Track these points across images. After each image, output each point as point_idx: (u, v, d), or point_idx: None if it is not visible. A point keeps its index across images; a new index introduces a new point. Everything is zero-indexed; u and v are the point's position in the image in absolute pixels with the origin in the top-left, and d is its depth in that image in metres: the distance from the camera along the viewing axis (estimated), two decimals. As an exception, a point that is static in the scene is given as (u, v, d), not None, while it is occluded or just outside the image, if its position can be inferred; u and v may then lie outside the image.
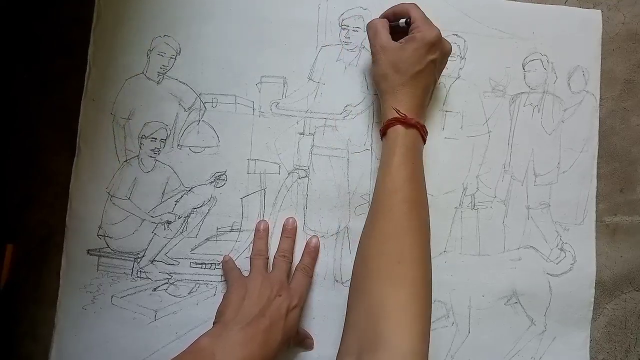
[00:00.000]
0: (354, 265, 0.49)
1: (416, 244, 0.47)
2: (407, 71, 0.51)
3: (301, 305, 0.53)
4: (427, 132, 0.54)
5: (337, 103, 0.59)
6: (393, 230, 0.47)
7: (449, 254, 0.58)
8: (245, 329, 0.47)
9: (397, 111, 0.51)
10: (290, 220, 0.57)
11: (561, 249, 0.59)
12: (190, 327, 0.55)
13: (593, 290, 0.58)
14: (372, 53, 0.54)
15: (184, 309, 0.56)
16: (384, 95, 0.53)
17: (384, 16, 0.56)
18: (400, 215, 0.47)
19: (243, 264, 0.57)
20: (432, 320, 0.56)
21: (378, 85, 0.54)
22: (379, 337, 0.42)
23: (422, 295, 0.45)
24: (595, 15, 0.61)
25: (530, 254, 0.58)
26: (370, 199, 0.55)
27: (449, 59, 0.59)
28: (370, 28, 0.55)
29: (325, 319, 0.56)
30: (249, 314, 0.49)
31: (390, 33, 0.54)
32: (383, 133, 0.53)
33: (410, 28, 0.53)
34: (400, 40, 0.53)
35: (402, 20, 0.55)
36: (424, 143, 0.54)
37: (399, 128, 0.51)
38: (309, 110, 0.58)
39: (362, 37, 0.59)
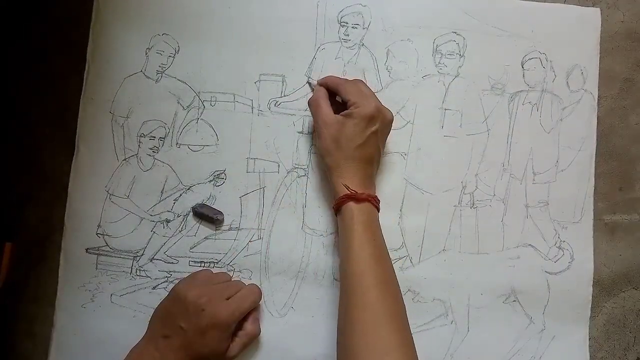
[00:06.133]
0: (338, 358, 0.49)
1: (398, 329, 0.48)
2: (349, 146, 0.54)
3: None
4: (379, 201, 0.56)
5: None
6: (372, 320, 0.48)
7: (448, 253, 0.61)
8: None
9: (347, 187, 0.54)
10: None
11: (559, 247, 0.61)
12: (189, 325, 0.58)
13: (591, 289, 0.61)
14: (315, 128, 0.57)
15: (183, 308, 0.59)
16: (330, 171, 0.55)
17: (323, 83, 0.58)
18: (374, 301, 0.49)
19: (241, 262, 0.59)
20: (431, 319, 0.60)
21: (323, 159, 0.56)
22: None
23: None
24: (594, 14, 0.63)
25: (528, 253, 0.61)
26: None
27: (448, 57, 0.62)
28: (312, 104, 0.57)
29: (324, 317, 0.59)
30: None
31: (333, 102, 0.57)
32: (336, 210, 0.55)
33: (348, 104, 0.55)
34: (341, 113, 0.55)
35: (338, 98, 0.57)
36: (378, 211, 0.56)
37: (352, 205, 0.53)
38: (307, 109, 0.61)
39: (361, 34, 0.62)
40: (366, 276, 0.50)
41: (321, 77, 0.60)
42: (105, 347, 0.58)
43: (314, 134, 0.59)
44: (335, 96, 0.58)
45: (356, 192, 0.53)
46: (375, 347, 0.46)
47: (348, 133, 0.54)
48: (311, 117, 0.60)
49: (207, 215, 0.59)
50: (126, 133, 0.60)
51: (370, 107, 0.54)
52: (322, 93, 0.57)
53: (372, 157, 0.55)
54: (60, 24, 0.61)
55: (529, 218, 0.62)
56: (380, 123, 0.55)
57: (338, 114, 0.55)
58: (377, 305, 0.48)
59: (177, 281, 0.57)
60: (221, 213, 0.59)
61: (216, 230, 0.60)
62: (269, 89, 0.61)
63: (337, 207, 0.55)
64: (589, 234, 0.62)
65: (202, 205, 0.59)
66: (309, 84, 0.61)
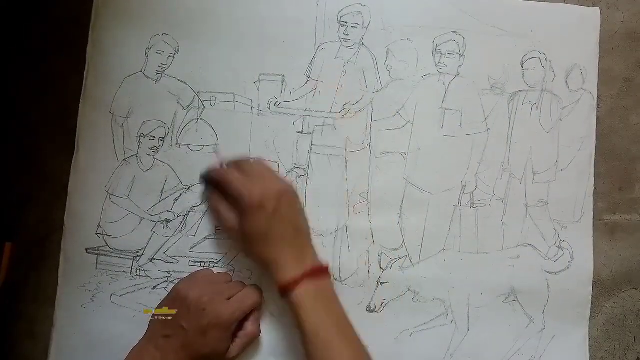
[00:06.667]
0: None
1: None
2: (257, 239, 0.53)
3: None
4: (322, 265, 0.54)
5: (336, 101, 0.62)
6: None
7: (447, 252, 0.61)
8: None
9: (278, 282, 0.52)
10: None
11: (559, 247, 0.62)
12: (189, 325, 0.58)
13: (591, 288, 0.61)
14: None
15: (183, 308, 0.59)
16: (261, 269, 0.56)
17: (212, 181, 0.58)
18: None
19: (241, 262, 0.60)
20: (431, 318, 0.60)
21: (250, 260, 0.57)
22: None
23: None
24: (593, 14, 0.63)
25: (528, 252, 0.61)
26: (369, 195, 0.59)
27: (448, 56, 0.62)
28: (212, 213, 0.58)
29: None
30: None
31: None
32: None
33: (232, 199, 0.54)
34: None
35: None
36: (327, 273, 0.55)
37: (291, 294, 0.51)
38: (307, 109, 0.61)
39: (361, 33, 0.62)
40: (332, 355, 0.50)
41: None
42: (106, 347, 0.58)
43: None
44: None
45: (287, 283, 0.52)
46: None
47: (248, 230, 0.53)
48: (310, 118, 0.61)
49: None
50: (126, 133, 0.60)
51: (252, 195, 0.52)
52: (215, 198, 0.57)
53: (284, 235, 0.53)
54: (60, 24, 0.61)
55: (529, 218, 0.62)
56: (272, 203, 0.53)
57: None
58: None
59: (177, 281, 0.58)
60: None
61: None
62: (268, 89, 0.61)
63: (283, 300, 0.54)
64: (588, 233, 0.62)
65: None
66: (201, 178, 0.60)
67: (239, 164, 0.57)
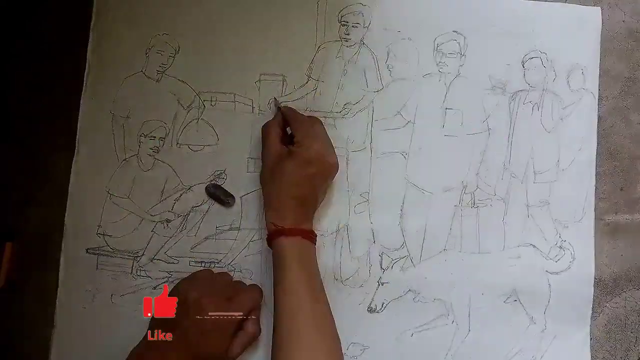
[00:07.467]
0: None
1: None
2: (283, 181, 0.54)
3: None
4: (315, 234, 0.57)
5: (337, 101, 0.62)
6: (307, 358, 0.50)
7: (448, 252, 0.61)
8: None
9: (274, 224, 0.54)
10: None
11: (560, 247, 0.62)
12: (189, 325, 0.58)
13: (592, 288, 0.62)
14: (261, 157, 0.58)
15: (183, 308, 0.59)
16: (264, 204, 0.57)
17: (283, 112, 0.59)
18: (310, 339, 0.50)
19: (242, 262, 0.60)
20: (432, 318, 0.60)
21: (262, 189, 0.58)
22: None
23: None
24: (594, 13, 0.63)
25: (529, 252, 0.61)
26: (370, 195, 0.58)
27: (449, 56, 0.62)
28: (263, 130, 0.58)
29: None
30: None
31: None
32: (269, 244, 0.56)
33: (294, 141, 0.56)
34: (289, 147, 0.56)
35: (289, 130, 0.58)
36: (314, 243, 0.56)
37: (282, 240, 0.54)
38: (308, 109, 0.61)
39: (361, 33, 0.62)
40: (300, 314, 0.51)
41: (284, 104, 0.60)
42: (106, 347, 0.58)
43: None
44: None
45: (284, 228, 0.54)
46: None
47: (284, 169, 0.55)
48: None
49: (219, 197, 0.59)
50: (126, 133, 0.60)
51: (311, 150, 0.55)
52: (277, 122, 0.58)
53: (305, 197, 0.55)
54: (60, 24, 0.61)
55: (530, 217, 0.62)
56: (318, 168, 0.55)
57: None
58: (313, 344, 0.50)
59: (177, 281, 0.57)
60: (232, 197, 0.60)
61: (226, 209, 0.60)
62: (269, 89, 0.61)
63: (268, 242, 0.55)
64: (590, 233, 0.62)
65: (216, 185, 0.60)
66: (275, 103, 0.61)
67: (310, 118, 0.59)
